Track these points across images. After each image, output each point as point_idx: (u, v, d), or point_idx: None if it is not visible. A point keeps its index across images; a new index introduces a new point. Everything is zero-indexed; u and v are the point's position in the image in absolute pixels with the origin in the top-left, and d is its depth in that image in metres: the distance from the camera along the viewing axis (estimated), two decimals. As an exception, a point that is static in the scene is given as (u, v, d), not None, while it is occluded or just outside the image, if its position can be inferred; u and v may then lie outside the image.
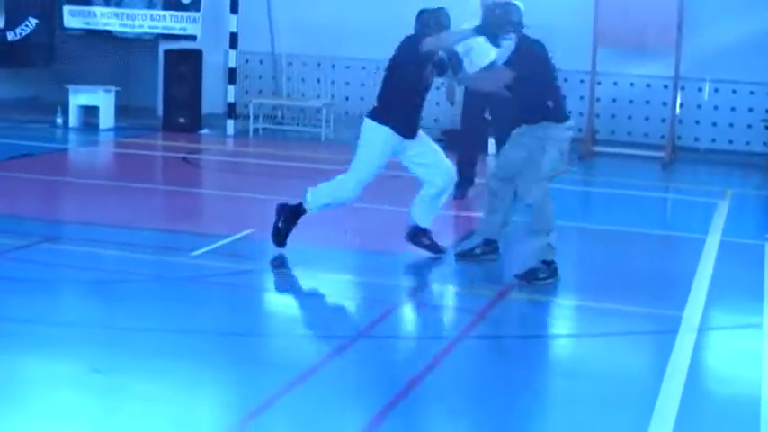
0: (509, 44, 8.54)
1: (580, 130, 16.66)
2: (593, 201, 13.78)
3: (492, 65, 9.46)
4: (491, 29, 8.36)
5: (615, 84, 16.95)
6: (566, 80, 16.87)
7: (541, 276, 8.43)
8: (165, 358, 6.60)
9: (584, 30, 15.89)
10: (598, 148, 16.28)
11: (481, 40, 8.84)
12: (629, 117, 17.04)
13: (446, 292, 8.68)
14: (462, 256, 9.14)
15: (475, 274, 8.88)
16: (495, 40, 8.50)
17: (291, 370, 6.30)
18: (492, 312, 7.97)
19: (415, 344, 7.17)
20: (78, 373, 5.55)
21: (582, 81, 16.68)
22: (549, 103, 8.60)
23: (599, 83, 16.50)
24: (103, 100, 16.34)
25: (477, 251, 9.08)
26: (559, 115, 8.66)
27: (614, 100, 17.03)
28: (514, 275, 8.51)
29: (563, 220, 11.29)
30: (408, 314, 7.88)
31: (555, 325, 7.89)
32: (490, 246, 9.07)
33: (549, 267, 8.47)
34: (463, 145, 12.21)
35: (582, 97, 16.78)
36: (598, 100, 16.62)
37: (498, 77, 8.73)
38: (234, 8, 16.71)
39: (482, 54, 10.67)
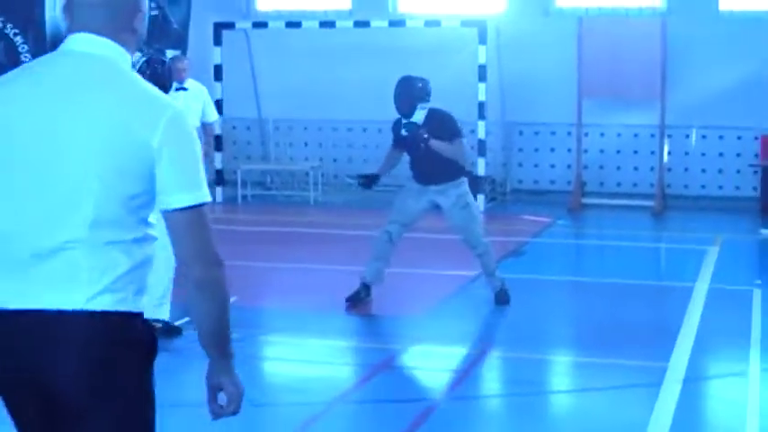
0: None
1: (569, 182, 16.69)
2: (584, 253, 13.72)
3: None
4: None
5: (602, 135, 16.94)
6: (553, 133, 16.99)
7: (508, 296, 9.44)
8: None
9: (569, 82, 15.89)
10: (587, 200, 16.22)
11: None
12: (618, 167, 17.01)
13: (427, 352, 8.55)
14: (352, 301, 9.42)
15: (456, 332, 8.81)
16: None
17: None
18: (474, 371, 7.89)
19: (394, 407, 7.07)
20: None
21: (569, 133, 16.69)
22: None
23: (586, 134, 16.48)
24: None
25: (363, 295, 9.48)
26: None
27: (602, 151, 17.00)
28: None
29: (555, 275, 11.32)
30: (388, 377, 7.77)
31: (537, 382, 7.76)
32: (368, 290, 9.51)
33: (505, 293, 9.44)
34: None
35: (569, 149, 16.78)
36: (585, 151, 16.59)
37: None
38: (218, 75, 16.74)
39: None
